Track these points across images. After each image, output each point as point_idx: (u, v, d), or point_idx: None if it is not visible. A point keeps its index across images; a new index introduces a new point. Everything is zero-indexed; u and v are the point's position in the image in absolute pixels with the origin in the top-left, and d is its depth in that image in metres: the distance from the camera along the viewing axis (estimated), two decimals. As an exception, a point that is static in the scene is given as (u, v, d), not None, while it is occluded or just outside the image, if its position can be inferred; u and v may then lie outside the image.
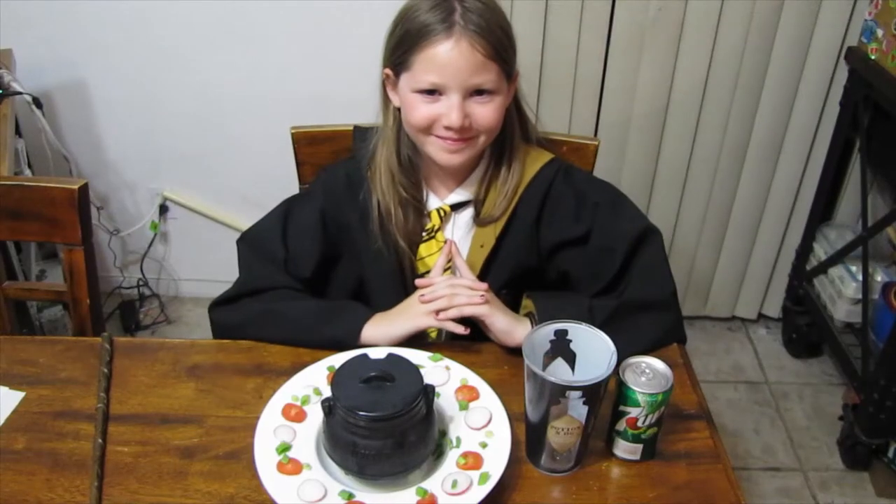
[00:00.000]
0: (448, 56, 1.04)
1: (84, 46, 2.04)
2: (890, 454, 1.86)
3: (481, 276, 1.18)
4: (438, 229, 1.19)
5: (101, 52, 2.05)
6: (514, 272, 1.21)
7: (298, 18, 1.99)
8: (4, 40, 1.97)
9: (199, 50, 2.05)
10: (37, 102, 1.90)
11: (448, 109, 1.06)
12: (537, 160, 1.20)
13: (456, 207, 1.19)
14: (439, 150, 1.11)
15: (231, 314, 1.13)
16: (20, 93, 1.85)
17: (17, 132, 1.89)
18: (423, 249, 1.19)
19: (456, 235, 1.20)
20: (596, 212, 1.17)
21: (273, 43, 2.03)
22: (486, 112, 1.08)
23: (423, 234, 1.19)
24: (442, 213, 1.19)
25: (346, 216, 1.20)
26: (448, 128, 1.07)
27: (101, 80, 2.11)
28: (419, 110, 1.08)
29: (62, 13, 1.99)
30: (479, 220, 1.18)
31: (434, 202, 1.20)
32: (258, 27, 2.01)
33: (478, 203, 1.19)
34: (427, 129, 1.10)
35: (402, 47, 1.08)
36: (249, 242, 1.19)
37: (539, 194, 1.19)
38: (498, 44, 1.06)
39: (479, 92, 1.07)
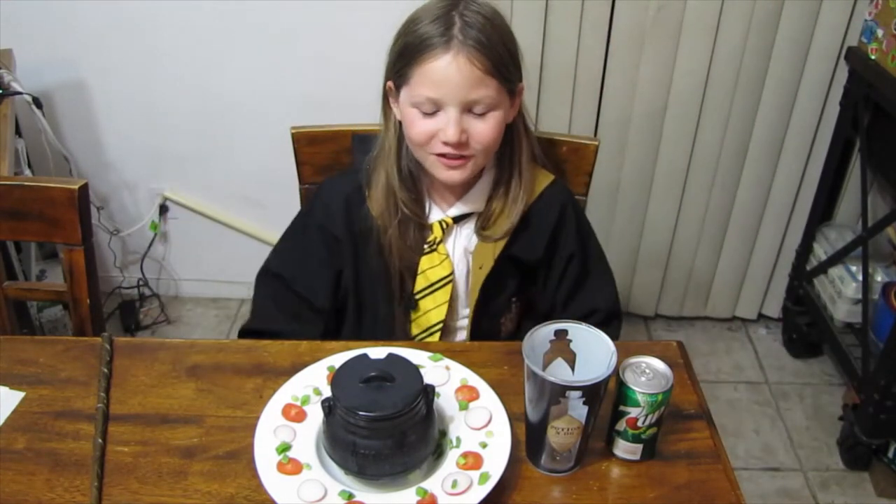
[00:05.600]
0: (445, 71, 1.03)
1: (84, 46, 2.05)
2: (890, 454, 1.86)
3: (481, 296, 1.18)
4: (440, 241, 1.18)
5: (101, 52, 2.05)
6: (520, 284, 1.22)
7: (299, 19, 1.99)
8: (4, 40, 1.97)
9: (199, 50, 2.05)
10: (37, 102, 1.90)
11: (445, 124, 1.05)
12: (540, 181, 1.19)
13: (458, 220, 1.18)
14: (438, 168, 1.11)
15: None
16: (20, 93, 1.85)
17: (17, 132, 1.89)
18: (425, 262, 1.18)
19: (458, 248, 1.19)
20: (580, 265, 1.20)
21: (273, 43, 2.03)
22: (485, 128, 1.07)
23: (425, 246, 1.18)
24: (444, 225, 1.18)
25: (341, 233, 1.19)
26: (446, 143, 1.06)
27: (101, 80, 2.11)
28: (417, 126, 1.08)
29: (62, 13, 1.99)
30: (482, 235, 1.17)
31: (436, 214, 1.19)
32: (258, 27, 2.01)
33: (481, 216, 1.18)
34: (425, 145, 1.09)
35: (401, 61, 1.07)
36: (268, 283, 1.24)
37: (550, 222, 1.18)
38: (497, 59, 1.04)
39: (477, 107, 1.06)
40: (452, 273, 1.18)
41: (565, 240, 1.20)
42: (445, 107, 1.05)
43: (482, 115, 1.07)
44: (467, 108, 1.06)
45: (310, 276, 1.21)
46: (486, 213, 1.18)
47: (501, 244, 1.16)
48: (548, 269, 1.21)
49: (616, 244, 2.25)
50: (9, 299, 1.27)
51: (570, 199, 1.21)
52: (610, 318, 1.23)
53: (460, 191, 1.18)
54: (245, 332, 1.22)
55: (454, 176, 1.11)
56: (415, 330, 1.21)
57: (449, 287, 1.18)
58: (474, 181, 1.18)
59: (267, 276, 1.25)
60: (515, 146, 1.16)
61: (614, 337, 1.14)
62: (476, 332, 1.21)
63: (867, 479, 1.91)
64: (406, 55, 1.06)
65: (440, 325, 1.20)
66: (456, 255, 1.19)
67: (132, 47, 2.04)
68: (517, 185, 1.16)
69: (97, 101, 2.14)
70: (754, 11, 1.89)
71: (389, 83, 1.12)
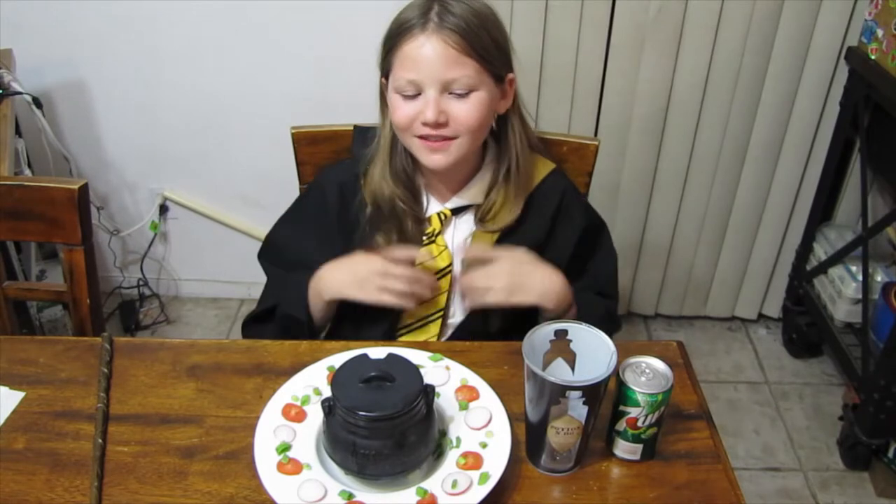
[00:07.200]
0: (420, 52, 1.05)
1: (84, 46, 2.05)
2: (890, 454, 1.86)
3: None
4: (439, 233, 1.18)
5: (101, 52, 2.05)
6: None
7: (298, 18, 1.99)
8: (4, 40, 1.97)
9: (199, 50, 2.05)
10: (37, 102, 1.90)
11: (424, 105, 1.07)
12: (540, 169, 1.20)
13: (457, 212, 1.19)
14: (422, 151, 1.12)
15: (262, 330, 1.21)
16: (20, 93, 1.85)
17: (17, 132, 1.89)
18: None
19: (457, 239, 1.20)
20: (592, 239, 1.25)
21: (273, 43, 2.03)
22: (464, 108, 1.08)
23: (424, 238, 1.18)
24: (442, 217, 1.18)
25: (333, 221, 1.21)
26: (425, 124, 1.08)
27: (101, 80, 2.11)
28: (400, 109, 1.09)
29: (62, 13, 1.99)
30: (483, 226, 1.18)
31: (434, 206, 1.19)
32: (258, 27, 2.01)
33: (480, 208, 1.19)
34: (408, 129, 1.10)
35: (385, 49, 1.11)
36: (265, 256, 1.28)
37: (549, 209, 1.19)
38: (475, 40, 1.06)
39: (456, 87, 1.07)
40: (451, 264, 1.18)
41: (572, 219, 1.22)
42: (424, 88, 1.07)
43: (462, 96, 1.08)
44: (446, 89, 1.07)
45: (303, 256, 1.23)
46: (485, 206, 1.18)
47: (495, 238, 1.17)
48: (555, 250, 1.22)
49: (616, 244, 2.22)
50: (9, 299, 1.27)
51: (570, 185, 1.24)
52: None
53: (457, 184, 1.19)
54: (247, 323, 1.26)
55: (438, 160, 1.11)
56: (410, 319, 1.21)
57: (448, 277, 1.18)
58: (472, 174, 1.19)
59: (262, 258, 1.29)
60: (511, 138, 1.17)
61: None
62: (466, 328, 1.21)
63: (867, 479, 1.91)
64: (389, 42, 1.10)
65: (440, 314, 1.20)
66: (455, 247, 1.19)
67: (132, 47, 2.04)
68: (516, 177, 1.17)
69: (97, 101, 2.14)
70: (754, 11, 1.89)
71: (382, 79, 1.14)
